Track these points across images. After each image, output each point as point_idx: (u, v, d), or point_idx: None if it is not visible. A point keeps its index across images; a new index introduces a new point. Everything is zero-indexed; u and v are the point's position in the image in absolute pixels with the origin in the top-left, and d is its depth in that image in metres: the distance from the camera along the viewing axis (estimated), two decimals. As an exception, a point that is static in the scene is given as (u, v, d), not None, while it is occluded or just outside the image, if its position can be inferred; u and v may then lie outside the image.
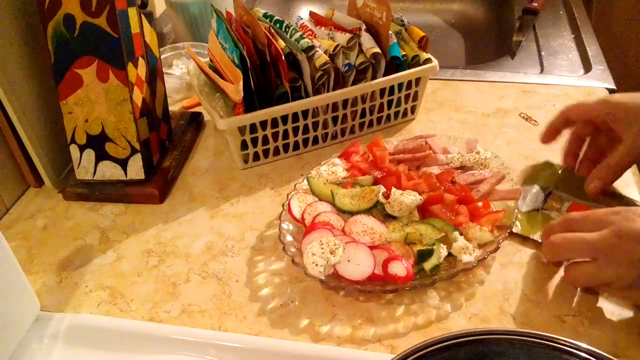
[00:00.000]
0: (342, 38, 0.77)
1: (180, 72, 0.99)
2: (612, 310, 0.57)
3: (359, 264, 0.58)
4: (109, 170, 0.75)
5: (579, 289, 0.59)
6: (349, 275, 0.58)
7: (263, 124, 0.76)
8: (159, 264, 0.66)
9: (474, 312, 0.58)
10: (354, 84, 0.78)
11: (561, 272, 0.61)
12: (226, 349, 0.55)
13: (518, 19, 1.16)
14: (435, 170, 0.70)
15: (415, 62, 0.82)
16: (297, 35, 0.76)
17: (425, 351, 0.43)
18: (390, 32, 0.79)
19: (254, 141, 0.77)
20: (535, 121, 0.86)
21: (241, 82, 0.70)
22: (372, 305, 0.59)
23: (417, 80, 0.83)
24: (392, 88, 0.82)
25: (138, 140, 0.72)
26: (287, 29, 0.78)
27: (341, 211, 0.65)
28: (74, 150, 0.74)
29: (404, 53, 0.80)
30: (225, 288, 0.62)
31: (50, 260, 0.68)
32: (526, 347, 0.44)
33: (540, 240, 0.64)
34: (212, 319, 0.59)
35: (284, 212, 0.66)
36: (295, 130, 0.79)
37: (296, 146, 0.81)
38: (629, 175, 0.74)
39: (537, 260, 0.63)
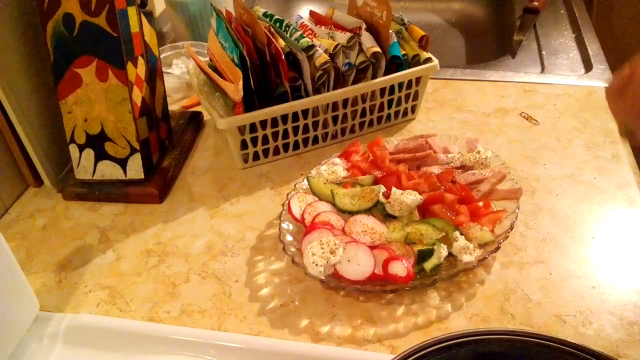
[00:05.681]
0: (342, 37, 0.77)
1: (180, 71, 0.99)
2: (612, 309, 0.57)
3: (359, 264, 0.58)
4: (108, 170, 0.74)
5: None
6: (349, 275, 0.58)
7: (263, 123, 0.76)
8: (159, 264, 0.66)
9: (475, 312, 0.58)
10: (354, 83, 0.78)
11: (562, 273, 0.61)
12: (226, 349, 0.55)
13: (519, 18, 1.15)
14: (435, 169, 0.70)
15: (415, 61, 0.81)
16: (297, 34, 0.76)
17: (425, 351, 0.43)
18: (390, 31, 0.78)
19: (254, 141, 0.77)
20: (535, 120, 0.85)
21: (241, 82, 0.70)
22: (372, 305, 0.59)
23: (418, 79, 0.83)
24: (392, 87, 0.82)
25: (137, 139, 0.72)
26: (287, 28, 0.78)
27: (341, 211, 0.65)
28: (73, 149, 0.74)
29: (404, 52, 0.80)
30: (225, 288, 0.62)
31: (49, 260, 0.67)
32: (526, 347, 0.43)
33: None
34: (212, 319, 0.59)
35: (283, 212, 0.66)
36: (295, 130, 0.79)
37: (296, 146, 0.81)
38: (629, 175, 0.73)
39: (538, 260, 0.63)
